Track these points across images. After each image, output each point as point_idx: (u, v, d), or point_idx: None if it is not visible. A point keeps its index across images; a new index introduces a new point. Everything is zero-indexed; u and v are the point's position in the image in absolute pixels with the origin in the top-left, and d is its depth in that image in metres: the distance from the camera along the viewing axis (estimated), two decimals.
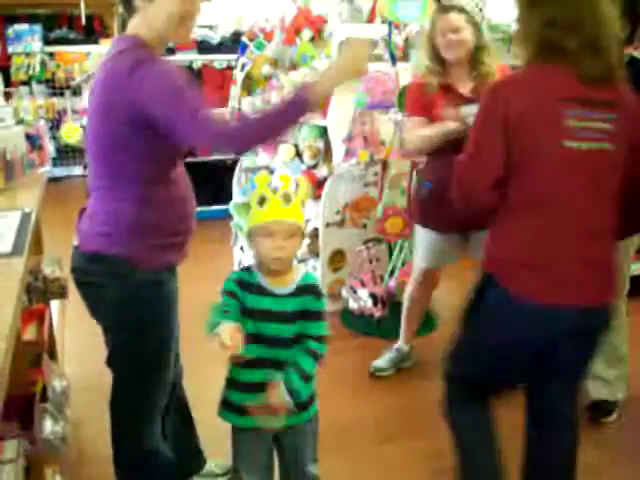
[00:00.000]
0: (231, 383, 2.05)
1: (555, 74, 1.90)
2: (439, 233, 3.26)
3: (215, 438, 2.42)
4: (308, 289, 1.98)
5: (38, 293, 3.00)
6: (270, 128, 1.87)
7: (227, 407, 2.06)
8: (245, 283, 1.95)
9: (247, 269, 2.01)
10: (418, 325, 3.66)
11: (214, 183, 6.38)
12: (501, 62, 3.10)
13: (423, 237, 3.36)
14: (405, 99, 3.31)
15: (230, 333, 1.75)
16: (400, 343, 3.66)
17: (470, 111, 2.77)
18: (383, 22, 3.89)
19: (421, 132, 3.07)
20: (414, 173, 3.93)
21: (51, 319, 3.22)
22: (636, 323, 3.11)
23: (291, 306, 1.95)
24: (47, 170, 3.22)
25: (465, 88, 3.04)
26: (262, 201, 1.86)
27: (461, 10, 3.00)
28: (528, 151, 1.91)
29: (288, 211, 1.87)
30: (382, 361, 3.64)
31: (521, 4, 2.00)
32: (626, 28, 2.50)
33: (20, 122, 3.34)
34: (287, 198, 1.87)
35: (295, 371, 1.93)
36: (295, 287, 1.97)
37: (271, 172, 3.33)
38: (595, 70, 1.87)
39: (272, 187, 1.87)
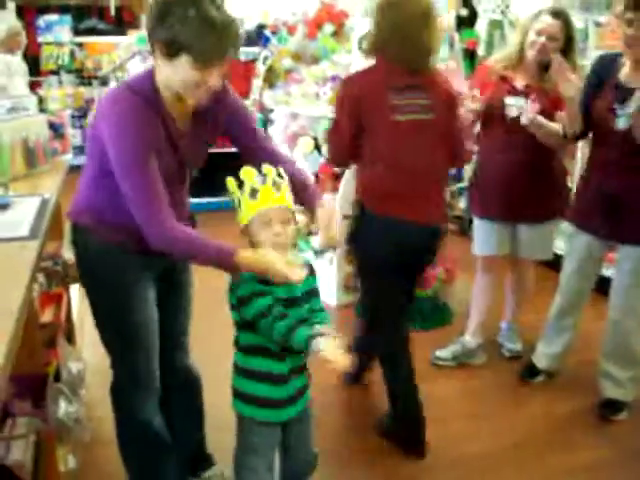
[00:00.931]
0: (252, 374, 2.07)
1: (387, 68, 2.67)
2: (488, 220, 3.41)
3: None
4: (307, 269, 2.03)
5: (58, 277, 3.09)
6: (189, 256, 2.03)
7: (251, 402, 2.09)
8: (261, 278, 1.95)
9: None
10: (486, 318, 3.63)
11: (233, 173, 6.41)
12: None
13: (476, 225, 3.52)
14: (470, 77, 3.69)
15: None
16: (466, 336, 3.66)
17: (514, 102, 3.07)
18: None
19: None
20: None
21: (70, 303, 3.31)
22: None
23: (301, 289, 2.03)
24: (69, 158, 3.28)
25: (522, 82, 3.16)
26: (254, 193, 1.92)
27: (563, 17, 3.10)
28: (370, 123, 2.66)
29: (280, 198, 1.94)
30: (444, 351, 3.65)
31: (373, 17, 2.74)
32: None
33: (43, 111, 3.40)
34: (277, 185, 1.94)
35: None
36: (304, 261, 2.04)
37: None
38: (414, 65, 2.65)
39: (259, 179, 1.93)
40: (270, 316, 1.91)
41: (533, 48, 3.13)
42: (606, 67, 2.94)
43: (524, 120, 3.03)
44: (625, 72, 2.86)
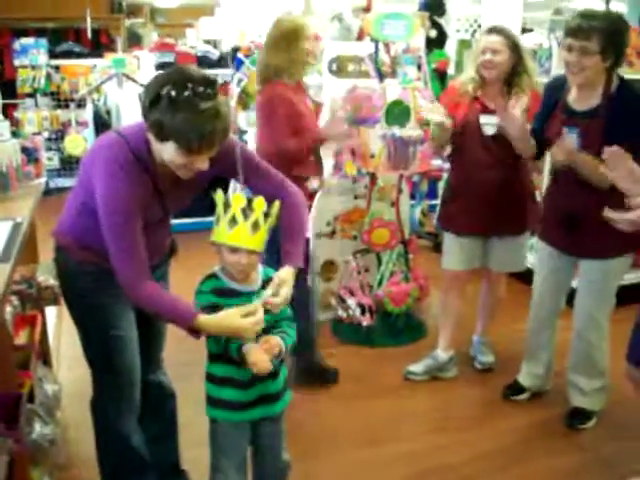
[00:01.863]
0: (213, 379, 2.17)
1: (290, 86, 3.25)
2: (458, 236, 3.49)
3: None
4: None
5: (32, 300, 3.12)
6: (156, 312, 2.08)
7: (216, 405, 2.18)
8: (218, 290, 2.08)
9: (214, 276, 2.12)
10: (454, 331, 3.69)
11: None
12: (536, 87, 3.30)
13: (446, 240, 3.61)
14: (440, 96, 3.71)
15: (255, 357, 1.97)
16: (437, 350, 3.71)
17: (487, 120, 3.22)
18: (372, 40, 3.99)
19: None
20: (402, 186, 4.10)
21: (45, 325, 3.33)
22: (618, 331, 3.16)
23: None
24: (43, 182, 3.32)
25: (492, 102, 3.25)
26: (232, 223, 1.98)
27: (501, 33, 3.25)
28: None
29: (253, 240, 2.00)
30: (417, 366, 3.70)
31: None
32: (610, 59, 2.73)
33: (16, 135, 3.43)
34: (255, 227, 1.99)
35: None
36: (260, 283, 2.12)
37: None
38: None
39: (242, 213, 1.97)
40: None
41: (484, 68, 3.26)
42: (557, 89, 3.04)
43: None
44: (572, 96, 2.97)
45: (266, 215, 2.02)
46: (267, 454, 2.29)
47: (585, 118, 2.88)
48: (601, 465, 2.96)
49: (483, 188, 3.34)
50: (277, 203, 2.06)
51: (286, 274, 2.08)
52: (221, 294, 2.07)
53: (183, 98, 1.82)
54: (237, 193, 2.02)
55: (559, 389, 3.41)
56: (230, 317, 1.97)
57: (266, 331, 2.07)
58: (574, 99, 2.95)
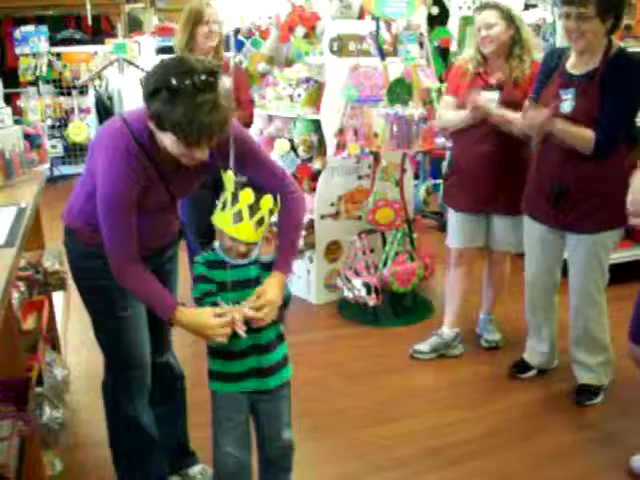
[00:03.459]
0: (215, 353, 2.20)
1: None
2: (463, 213, 3.53)
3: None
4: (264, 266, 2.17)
5: (39, 286, 3.13)
6: (139, 293, 2.12)
7: (212, 376, 2.23)
8: (211, 261, 2.14)
9: (212, 249, 2.17)
10: (460, 308, 3.71)
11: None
12: (536, 57, 3.32)
13: (450, 218, 3.63)
14: (445, 76, 3.71)
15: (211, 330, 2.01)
16: (443, 328, 3.73)
17: (490, 96, 3.22)
18: (373, 19, 3.96)
19: (447, 116, 3.49)
20: (406, 165, 4.10)
21: (52, 310, 3.35)
22: (620, 308, 3.17)
23: (254, 272, 2.15)
24: (46, 168, 3.32)
25: (495, 77, 3.30)
26: (238, 218, 2.01)
27: (494, 7, 3.28)
28: None
29: (255, 235, 2.05)
30: (423, 345, 3.72)
31: None
32: (609, 20, 2.74)
33: (18, 122, 3.43)
34: (260, 224, 2.03)
35: None
36: (254, 258, 2.16)
37: None
38: None
39: (252, 209, 2.01)
40: (203, 301, 2.09)
41: (483, 44, 3.29)
42: (555, 58, 3.06)
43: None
44: (571, 62, 2.97)
45: (271, 212, 2.06)
46: (266, 432, 2.29)
47: (582, 80, 2.90)
48: (608, 441, 2.96)
49: (480, 165, 3.37)
50: (279, 199, 2.11)
51: (272, 284, 2.10)
52: (212, 266, 2.13)
53: (182, 90, 1.81)
54: (246, 190, 2.02)
55: (566, 366, 3.41)
56: (203, 314, 2.03)
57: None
58: (572, 64, 2.96)
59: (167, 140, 1.92)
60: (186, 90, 1.81)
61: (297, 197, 2.23)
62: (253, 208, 2.01)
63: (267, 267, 2.17)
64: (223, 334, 2.02)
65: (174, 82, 1.81)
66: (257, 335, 2.14)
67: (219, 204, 2.06)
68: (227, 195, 2.04)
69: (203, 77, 1.83)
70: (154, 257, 2.28)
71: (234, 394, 2.21)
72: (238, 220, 2.01)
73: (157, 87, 1.84)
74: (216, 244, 2.16)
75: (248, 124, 3.98)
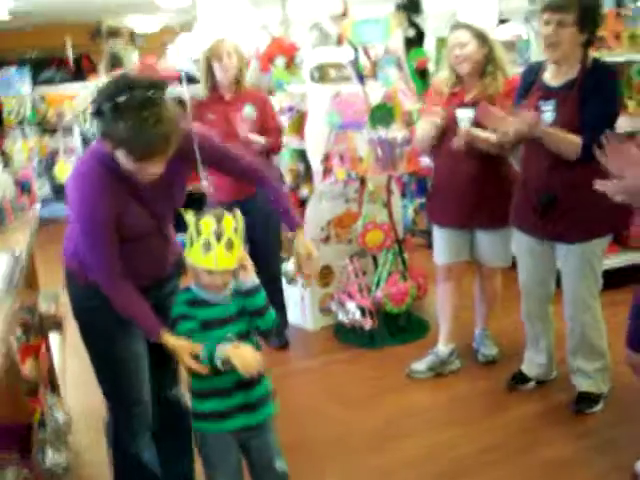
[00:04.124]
0: (199, 393, 2.23)
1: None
2: (445, 228, 3.57)
3: None
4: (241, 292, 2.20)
5: (35, 328, 3.14)
6: (127, 312, 2.17)
7: (199, 417, 2.25)
8: (191, 301, 2.16)
9: (188, 288, 2.19)
10: (453, 324, 3.74)
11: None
12: (508, 75, 3.39)
13: (435, 234, 3.68)
14: (424, 96, 3.80)
15: (245, 358, 2.02)
16: (439, 345, 3.76)
17: (464, 114, 3.24)
18: (351, 46, 4.04)
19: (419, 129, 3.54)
20: (392, 187, 4.15)
21: (50, 352, 3.36)
22: (616, 313, 3.21)
23: (231, 310, 2.18)
24: (37, 209, 3.35)
25: (469, 95, 3.37)
26: (206, 248, 2.03)
27: (466, 27, 3.35)
28: None
29: (228, 260, 2.06)
30: (420, 364, 3.74)
31: None
32: (586, 31, 2.85)
33: (7, 165, 3.47)
34: (230, 246, 2.05)
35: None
36: (231, 292, 2.19)
37: None
38: None
39: (215, 234, 2.03)
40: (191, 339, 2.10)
41: (457, 63, 3.35)
42: (532, 72, 3.15)
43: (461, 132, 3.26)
44: (548, 74, 3.05)
45: (236, 230, 2.08)
46: (258, 466, 2.32)
47: (561, 91, 2.97)
48: (610, 448, 2.97)
49: (461, 180, 3.41)
50: (239, 214, 2.12)
51: (301, 240, 2.42)
52: (193, 304, 2.15)
53: (124, 106, 1.86)
54: (206, 218, 2.05)
55: (564, 377, 3.43)
56: (182, 348, 2.09)
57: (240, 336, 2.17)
58: (550, 76, 3.04)
59: (121, 157, 1.96)
60: (128, 105, 1.86)
61: (269, 172, 2.51)
62: (218, 233, 2.03)
63: (248, 293, 2.18)
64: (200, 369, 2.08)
65: (116, 99, 1.87)
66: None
67: (186, 242, 2.09)
68: (191, 229, 2.06)
69: (144, 92, 1.88)
70: (153, 289, 2.30)
71: (223, 435, 2.21)
72: (207, 249, 2.03)
73: (100, 107, 1.89)
74: (192, 284, 2.18)
75: (276, 152, 4.10)
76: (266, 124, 3.90)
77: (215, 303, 2.15)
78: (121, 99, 1.86)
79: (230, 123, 3.80)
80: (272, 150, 3.97)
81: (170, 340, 2.12)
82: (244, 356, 2.02)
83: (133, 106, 1.86)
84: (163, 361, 2.40)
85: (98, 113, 1.91)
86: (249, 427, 2.23)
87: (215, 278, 2.09)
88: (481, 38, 3.32)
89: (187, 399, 2.59)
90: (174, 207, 2.29)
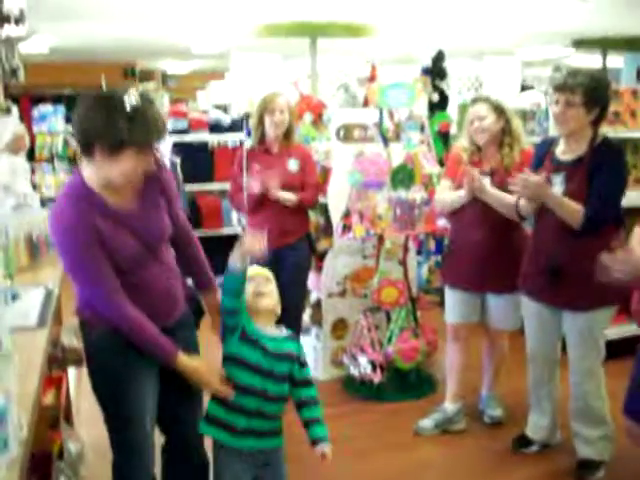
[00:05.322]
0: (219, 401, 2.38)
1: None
2: (457, 290, 3.70)
3: None
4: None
5: (57, 362, 3.26)
6: (132, 337, 2.23)
7: (215, 424, 2.39)
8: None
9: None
10: (460, 383, 3.84)
11: (225, 254, 6.64)
12: (524, 146, 3.55)
13: (447, 294, 3.80)
14: (445, 161, 3.92)
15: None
16: (445, 403, 3.85)
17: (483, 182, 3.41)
18: (376, 108, 4.21)
19: (445, 197, 3.67)
20: (409, 245, 4.28)
21: (68, 385, 3.47)
22: (618, 384, 3.27)
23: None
24: None
25: (487, 164, 3.53)
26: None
27: (485, 100, 3.55)
28: None
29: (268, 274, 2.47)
30: (427, 421, 3.82)
31: None
32: (594, 111, 3.00)
33: (43, 204, 3.63)
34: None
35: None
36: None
37: None
38: None
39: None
40: None
41: (475, 135, 3.52)
42: (545, 147, 3.31)
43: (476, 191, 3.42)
44: (560, 148, 3.21)
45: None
46: None
47: (570, 166, 3.11)
48: None
49: (475, 246, 3.55)
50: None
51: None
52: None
53: (136, 109, 2.06)
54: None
55: (568, 440, 3.48)
56: (203, 368, 2.30)
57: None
58: (562, 151, 3.19)
59: (121, 163, 2.09)
60: (139, 109, 2.06)
61: (200, 248, 2.62)
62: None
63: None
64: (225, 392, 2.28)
65: (131, 104, 2.05)
66: (265, 402, 2.33)
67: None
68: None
69: (137, 96, 2.08)
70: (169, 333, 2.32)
71: (237, 465, 2.34)
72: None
73: (116, 116, 2.04)
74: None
75: (311, 207, 4.24)
76: (306, 179, 4.06)
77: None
78: (132, 105, 2.05)
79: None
80: (307, 204, 4.11)
81: (188, 362, 2.25)
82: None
83: (143, 108, 2.07)
84: (190, 416, 2.50)
85: (109, 124, 2.04)
86: (258, 451, 2.37)
87: (257, 284, 2.38)
88: (499, 111, 3.49)
89: (205, 450, 2.63)
90: (164, 235, 2.37)
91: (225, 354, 2.37)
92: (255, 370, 2.31)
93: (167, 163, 5.73)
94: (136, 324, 2.20)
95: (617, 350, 3.78)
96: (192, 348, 2.46)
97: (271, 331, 2.39)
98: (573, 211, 3.02)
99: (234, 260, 2.27)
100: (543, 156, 3.26)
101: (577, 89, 2.98)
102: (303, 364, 2.46)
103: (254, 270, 2.43)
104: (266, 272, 2.46)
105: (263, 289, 2.38)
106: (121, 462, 2.41)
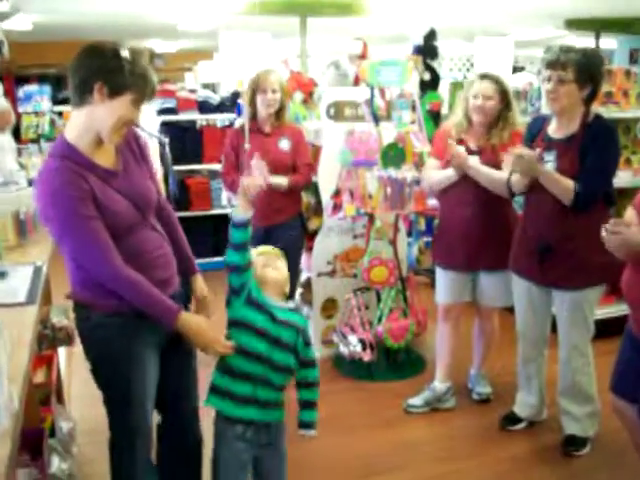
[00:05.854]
0: (224, 369, 2.37)
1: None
2: (448, 270, 3.70)
3: None
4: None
5: (47, 341, 3.25)
6: (133, 297, 2.16)
7: (217, 392, 2.38)
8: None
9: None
10: (450, 362, 3.85)
11: (214, 235, 6.65)
12: (516, 127, 3.54)
13: (438, 274, 3.80)
14: (433, 138, 3.89)
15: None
16: (435, 382, 3.87)
17: (470, 160, 3.42)
18: (367, 86, 4.18)
19: (433, 176, 3.68)
20: (399, 224, 4.27)
21: (59, 365, 3.46)
22: (606, 363, 3.30)
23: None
24: None
25: (476, 143, 3.53)
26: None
27: (495, 80, 3.49)
28: None
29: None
30: (416, 399, 3.85)
31: None
32: (586, 88, 2.99)
33: (30, 184, 3.60)
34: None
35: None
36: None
37: None
38: None
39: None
40: None
41: (475, 111, 3.48)
42: (537, 124, 3.30)
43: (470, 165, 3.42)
44: (552, 126, 3.20)
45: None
46: None
47: (561, 144, 3.11)
48: None
49: (464, 224, 3.55)
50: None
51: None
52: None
53: (135, 56, 2.08)
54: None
55: (555, 418, 3.53)
56: (205, 325, 2.26)
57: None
58: (553, 129, 3.18)
59: (117, 107, 2.08)
60: (136, 60, 2.08)
61: (173, 212, 2.56)
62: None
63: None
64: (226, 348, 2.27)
65: (124, 52, 2.06)
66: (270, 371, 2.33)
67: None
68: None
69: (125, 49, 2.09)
70: None
71: (237, 451, 2.34)
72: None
73: (116, 59, 2.05)
74: None
75: (302, 188, 4.22)
76: (298, 160, 4.05)
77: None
78: (124, 56, 2.06)
79: (265, 154, 3.93)
80: (300, 185, 4.10)
81: (191, 318, 2.24)
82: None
83: (140, 62, 2.08)
84: (185, 393, 2.51)
85: (113, 67, 2.04)
86: (262, 424, 2.37)
87: (267, 258, 2.41)
88: (503, 94, 3.46)
89: (200, 427, 2.63)
90: (151, 198, 2.33)
91: (230, 319, 2.35)
92: (262, 335, 2.30)
93: (155, 143, 5.69)
94: (135, 283, 2.13)
95: (605, 330, 3.82)
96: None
97: (278, 302, 2.39)
98: (566, 187, 3.01)
99: (238, 210, 2.28)
100: (535, 134, 3.26)
101: (569, 66, 2.97)
102: (308, 343, 2.44)
103: (265, 248, 2.48)
104: (277, 251, 2.48)
105: (272, 263, 2.41)
106: (120, 442, 2.39)
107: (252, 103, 4.01)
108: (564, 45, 3.07)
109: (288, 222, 4.08)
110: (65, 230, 2.08)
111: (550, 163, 3.11)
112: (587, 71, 3.00)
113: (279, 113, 4.02)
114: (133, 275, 2.13)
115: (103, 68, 2.05)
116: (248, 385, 2.31)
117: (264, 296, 2.35)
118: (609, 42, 10.19)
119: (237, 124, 4.52)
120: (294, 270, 4.23)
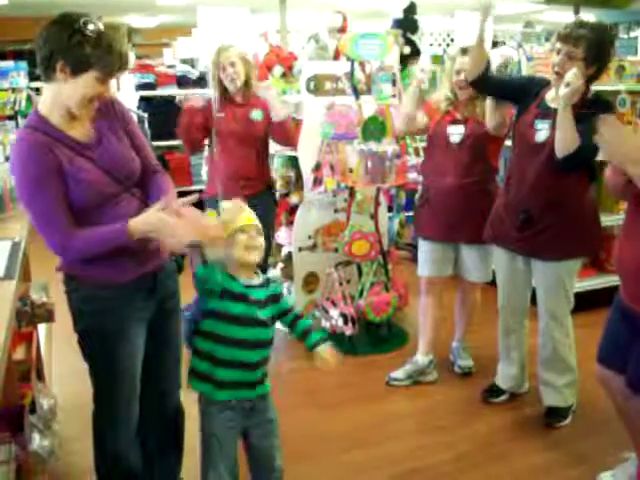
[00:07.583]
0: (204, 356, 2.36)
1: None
2: (431, 242, 3.71)
3: None
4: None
5: (26, 317, 3.22)
6: (95, 248, 2.14)
7: (201, 378, 2.37)
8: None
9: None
10: (433, 336, 3.86)
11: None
12: None
13: (420, 247, 3.81)
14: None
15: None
16: (417, 355, 3.88)
17: (455, 130, 3.55)
18: (347, 59, 4.15)
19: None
20: (380, 199, 4.27)
21: (39, 341, 3.43)
22: (585, 334, 3.35)
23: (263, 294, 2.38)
24: None
25: (461, 114, 3.57)
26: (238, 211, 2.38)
27: None
28: None
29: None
30: (398, 372, 3.87)
31: None
32: (592, 68, 2.96)
33: (7, 159, 3.55)
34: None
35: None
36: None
37: None
38: None
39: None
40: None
41: (458, 87, 3.52)
42: (538, 85, 3.26)
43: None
44: (550, 95, 3.16)
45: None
46: (260, 457, 2.46)
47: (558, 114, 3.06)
48: (577, 460, 3.10)
49: (448, 195, 3.57)
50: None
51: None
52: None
53: (99, 30, 2.02)
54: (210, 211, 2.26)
55: (536, 390, 3.55)
56: (152, 213, 2.13)
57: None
58: (552, 98, 3.15)
59: (82, 84, 2.04)
60: (104, 35, 2.03)
61: (165, 175, 2.45)
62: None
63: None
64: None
65: (90, 26, 2.01)
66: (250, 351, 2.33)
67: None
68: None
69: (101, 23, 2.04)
70: (147, 285, 2.30)
71: (227, 425, 2.34)
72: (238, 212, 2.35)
73: (78, 35, 1.99)
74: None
75: (289, 135, 4.17)
76: (273, 127, 4.04)
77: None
78: (94, 25, 2.01)
79: (238, 122, 3.98)
80: (289, 125, 4.11)
81: (144, 217, 2.12)
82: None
83: (104, 30, 2.03)
84: (160, 358, 2.47)
85: (72, 44, 1.99)
86: (252, 422, 2.39)
87: (250, 238, 2.30)
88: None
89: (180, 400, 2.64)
90: (132, 167, 2.29)
91: (205, 311, 2.31)
92: (238, 320, 2.29)
93: (134, 117, 5.62)
94: (86, 241, 2.12)
95: (585, 303, 3.85)
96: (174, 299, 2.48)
97: (252, 280, 2.36)
98: (573, 139, 2.92)
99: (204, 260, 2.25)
100: (533, 95, 3.22)
101: (580, 42, 2.93)
102: (284, 302, 2.48)
103: (246, 219, 2.34)
104: (257, 222, 2.38)
105: (255, 242, 2.33)
106: (104, 416, 2.39)
107: (219, 79, 4.01)
108: (579, 20, 3.07)
109: (258, 195, 3.99)
110: (25, 200, 2.10)
111: (544, 131, 3.09)
112: (596, 51, 2.96)
113: (247, 83, 4.01)
114: (82, 235, 2.11)
115: (65, 45, 2.00)
116: (230, 370, 2.31)
117: (237, 282, 2.31)
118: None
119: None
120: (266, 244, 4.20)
